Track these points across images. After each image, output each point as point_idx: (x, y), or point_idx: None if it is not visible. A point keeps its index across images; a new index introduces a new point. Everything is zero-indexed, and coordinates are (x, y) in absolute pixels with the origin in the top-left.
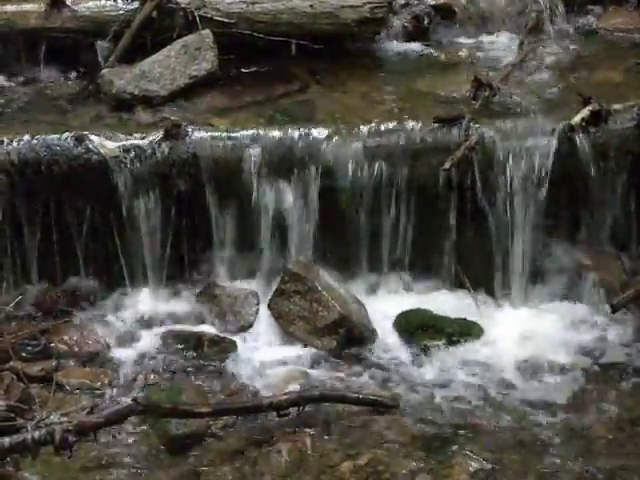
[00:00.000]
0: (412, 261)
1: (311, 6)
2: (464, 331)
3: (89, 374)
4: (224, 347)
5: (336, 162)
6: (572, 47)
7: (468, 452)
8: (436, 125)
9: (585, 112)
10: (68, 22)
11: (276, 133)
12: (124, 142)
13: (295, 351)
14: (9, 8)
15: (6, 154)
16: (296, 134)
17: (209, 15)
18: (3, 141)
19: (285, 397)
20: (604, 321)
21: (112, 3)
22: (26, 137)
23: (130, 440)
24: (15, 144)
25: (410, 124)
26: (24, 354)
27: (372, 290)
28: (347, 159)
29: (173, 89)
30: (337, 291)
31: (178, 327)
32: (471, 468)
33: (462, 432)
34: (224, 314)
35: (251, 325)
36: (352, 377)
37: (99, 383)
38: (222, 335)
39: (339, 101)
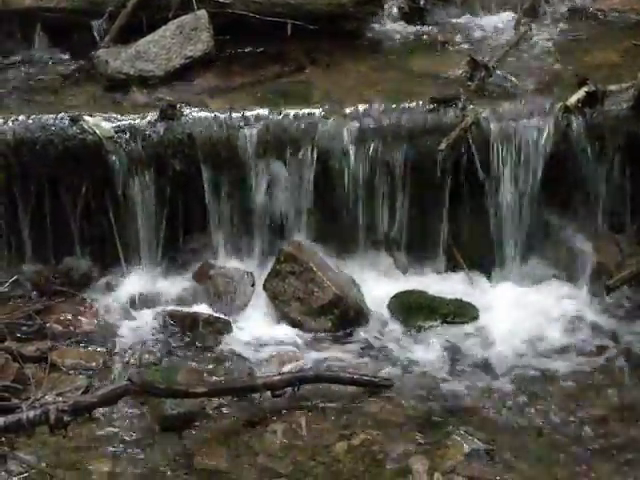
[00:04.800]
0: (408, 242)
1: None
2: (459, 312)
3: (84, 354)
4: (219, 327)
5: (332, 142)
6: (568, 28)
7: (463, 433)
8: (432, 106)
9: (581, 93)
10: (63, 2)
11: (272, 114)
12: (119, 122)
13: (290, 331)
14: None
15: (1, 134)
16: (292, 114)
17: None
18: None
19: (280, 377)
20: (599, 302)
21: None
22: (21, 117)
23: (125, 420)
24: (10, 124)
25: (406, 105)
26: (19, 334)
27: (367, 271)
28: (343, 139)
29: (168, 69)
30: (332, 272)
31: (173, 307)
32: (466, 449)
33: (457, 413)
34: (219, 294)
35: (246, 305)
36: (347, 358)
37: (94, 363)
38: (217, 315)
39: (335, 82)
